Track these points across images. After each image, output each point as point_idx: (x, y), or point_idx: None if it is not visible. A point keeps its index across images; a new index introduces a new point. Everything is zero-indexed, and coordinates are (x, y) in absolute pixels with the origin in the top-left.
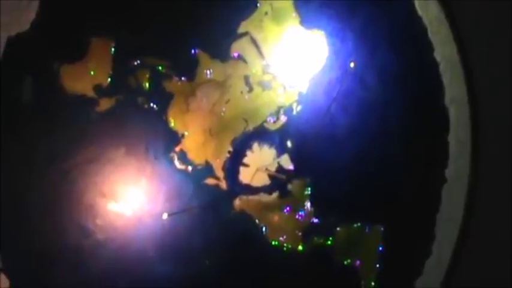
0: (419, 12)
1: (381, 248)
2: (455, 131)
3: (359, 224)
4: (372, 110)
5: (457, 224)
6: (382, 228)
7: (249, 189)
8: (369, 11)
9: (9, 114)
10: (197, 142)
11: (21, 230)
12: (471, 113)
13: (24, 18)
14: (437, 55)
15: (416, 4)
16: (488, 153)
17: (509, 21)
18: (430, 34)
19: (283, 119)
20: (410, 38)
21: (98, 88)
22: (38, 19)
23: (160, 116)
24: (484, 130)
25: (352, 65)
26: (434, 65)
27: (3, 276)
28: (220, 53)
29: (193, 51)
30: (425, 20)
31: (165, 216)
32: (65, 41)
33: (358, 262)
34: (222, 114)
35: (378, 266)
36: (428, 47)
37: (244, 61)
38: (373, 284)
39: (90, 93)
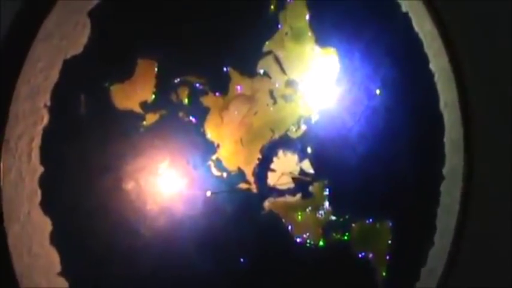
0: (416, 28)
1: (389, 241)
2: (449, 132)
3: (371, 220)
4: (378, 116)
5: (454, 215)
6: (390, 223)
7: (276, 192)
8: (373, 29)
9: (67, 127)
10: (230, 151)
11: (78, 233)
12: (462, 115)
13: (79, 42)
14: (432, 66)
15: (413, 21)
16: (479, 151)
17: (494, 35)
18: (425, 48)
19: (303, 127)
20: (409, 52)
21: (143, 104)
22: (90, 43)
23: (198, 128)
24: (474, 130)
25: (359, 77)
26: (430, 75)
27: (61, 279)
28: (249, 70)
29: (225, 69)
30: (421, 35)
31: (208, 193)
32: (114, 62)
33: (371, 255)
34: (251, 125)
35: (388, 257)
36: (424, 59)
37: (269, 77)
38: (384, 274)
39: (137, 109)
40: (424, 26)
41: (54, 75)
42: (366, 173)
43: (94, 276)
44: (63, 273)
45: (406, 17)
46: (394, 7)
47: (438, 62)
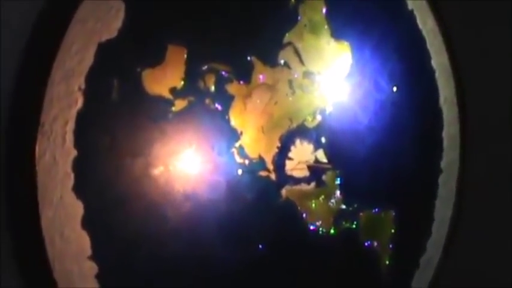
0: (420, 26)
1: (392, 231)
2: (447, 127)
3: (377, 210)
4: (385, 109)
5: (450, 207)
6: (393, 213)
7: (293, 180)
8: (382, 26)
9: (100, 111)
10: (252, 139)
11: (108, 217)
12: (460, 111)
13: (113, 27)
14: (434, 63)
15: (418, 19)
16: (475, 145)
17: (492, 34)
18: (428, 45)
19: (318, 118)
20: (413, 48)
21: (173, 90)
22: (124, 27)
23: (224, 115)
24: (470, 126)
25: (369, 71)
26: (432, 71)
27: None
28: (271, 60)
29: (249, 58)
30: (424, 33)
31: (239, 171)
32: (146, 47)
33: (376, 243)
34: (272, 114)
35: (391, 246)
36: (427, 55)
37: (289, 67)
38: (387, 262)
39: (167, 95)
40: (427, 24)
41: (89, 59)
42: (373, 164)
43: (123, 260)
44: (94, 257)
45: (411, 15)
46: (401, 5)
47: (439, 59)
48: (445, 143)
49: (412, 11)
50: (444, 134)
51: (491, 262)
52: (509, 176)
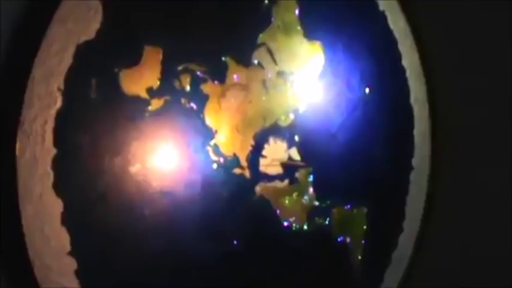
0: (391, 26)
1: (365, 227)
2: (418, 125)
3: (349, 206)
4: (357, 108)
5: (421, 203)
6: (366, 210)
7: (267, 177)
8: (353, 26)
9: (79, 110)
10: (227, 137)
11: (87, 215)
12: (430, 109)
13: (91, 28)
14: (404, 62)
15: (389, 19)
16: (445, 143)
17: (461, 33)
18: (399, 45)
19: (291, 117)
20: (385, 48)
21: (149, 90)
22: (102, 29)
23: (198, 114)
24: (440, 124)
25: (342, 70)
26: (403, 70)
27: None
28: (244, 60)
29: (223, 58)
30: (396, 33)
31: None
32: (123, 48)
33: (348, 239)
34: (246, 113)
35: (363, 242)
36: (398, 55)
37: (262, 67)
38: (359, 257)
39: (144, 94)
40: (398, 24)
41: (68, 59)
42: (345, 161)
43: (102, 256)
44: (73, 253)
45: (382, 15)
46: (372, 5)
47: (410, 59)
48: (416, 140)
49: (383, 12)
50: (415, 131)
51: (463, 258)
52: (480, 172)
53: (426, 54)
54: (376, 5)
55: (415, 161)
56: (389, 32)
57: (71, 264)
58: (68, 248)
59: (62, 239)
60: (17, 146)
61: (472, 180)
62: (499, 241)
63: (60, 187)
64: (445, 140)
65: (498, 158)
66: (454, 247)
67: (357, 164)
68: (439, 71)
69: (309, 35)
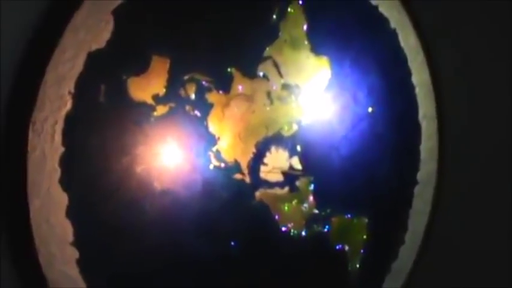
0: (402, 43)
1: (365, 236)
2: (426, 141)
3: (349, 216)
4: (362, 121)
5: (424, 217)
6: (366, 220)
7: (267, 184)
8: (362, 41)
9: (88, 113)
10: (229, 144)
11: (91, 209)
12: (438, 126)
13: (102, 38)
14: (414, 79)
15: (400, 36)
16: (452, 159)
17: (473, 51)
18: (409, 62)
19: (295, 127)
20: (394, 64)
21: (155, 97)
22: (112, 39)
23: (202, 121)
24: (448, 141)
25: (348, 84)
26: (412, 87)
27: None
28: (250, 72)
29: (229, 69)
30: (406, 50)
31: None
32: (132, 57)
33: (346, 247)
34: (249, 122)
35: (362, 251)
36: (407, 72)
37: (267, 79)
38: (357, 266)
39: (150, 101)
40: (409, 41)
41: (79, 66)
42: (347, 173)
43: (103, 247)
44: (75, 243)
45: (393, 32)
46: (383, 22)
47: (420, 76)
48: (423, 156)
49: (394, 29)
50: (422, 147)
51: (464, 273)
52: (485, 189)
53: (437, 71)
54: (387, 22)
55: (420, 176)
56: (399, 49)
57: (73, 253)
58: (71, 238)
59: (66, 229)
60: (28, 143)
61: (478, 197)
62: (502, 258)
63: (66, 182)
64: (452, 156)
65: (504, 176)
66: (456, 262)
67: (359, 176)
68: (450, 88)
69: (316, 49)
